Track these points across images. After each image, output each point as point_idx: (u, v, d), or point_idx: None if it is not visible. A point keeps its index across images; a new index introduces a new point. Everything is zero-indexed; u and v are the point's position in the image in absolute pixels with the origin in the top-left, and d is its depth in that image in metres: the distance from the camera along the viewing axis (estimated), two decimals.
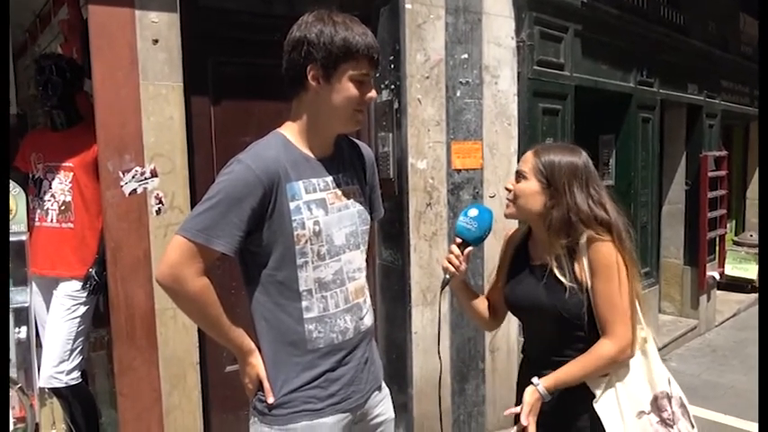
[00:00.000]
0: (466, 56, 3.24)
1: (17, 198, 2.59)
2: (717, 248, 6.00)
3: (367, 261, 1.54)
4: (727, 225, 6.57)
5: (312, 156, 1.42)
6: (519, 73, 3.50)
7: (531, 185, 1.54)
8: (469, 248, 1.61)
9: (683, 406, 1.56)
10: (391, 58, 3.08)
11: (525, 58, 3.50)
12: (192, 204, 2.39)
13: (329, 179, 1.43)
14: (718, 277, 5.97)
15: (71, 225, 2.61)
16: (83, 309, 2.62)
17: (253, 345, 1.41)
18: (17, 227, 2.58)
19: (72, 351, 2.61)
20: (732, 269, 6.68)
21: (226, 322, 1.38)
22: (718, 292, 6.20)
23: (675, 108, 5.55)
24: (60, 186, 2.61)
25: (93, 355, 3.07)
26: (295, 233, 1.34)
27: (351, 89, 1.36)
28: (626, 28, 4.45)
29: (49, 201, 2.62)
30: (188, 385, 2.52)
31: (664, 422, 1.50)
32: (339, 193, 1.44)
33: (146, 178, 2.38)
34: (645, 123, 4.92)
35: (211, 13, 2.69)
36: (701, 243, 5.56)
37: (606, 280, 1.46)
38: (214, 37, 2.69)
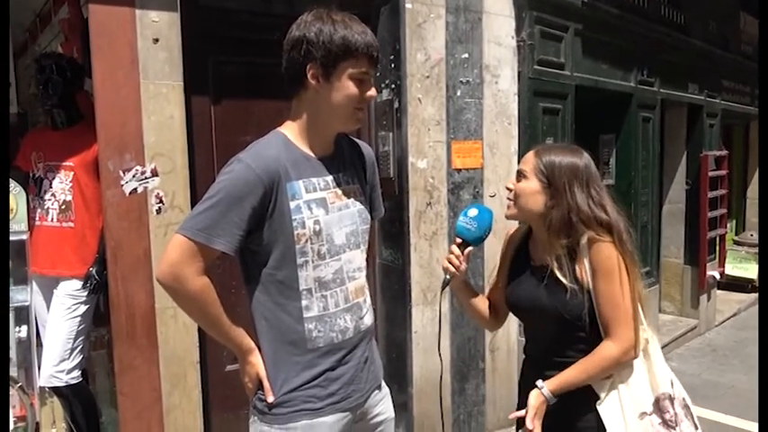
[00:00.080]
0: (466, 55, 3.24)
1: (18, 197, 2.59)
2: (717, 248, 6.00)
3: (367, 260, 1.54)
4: (728, 225, 6.57)
5: (312, 155, 1.42)
6: (519, 72, 3.50)
7: (532, 185, 1.54)
8: (470, 248, 1.60)
9: (686, 407, 1.56)
10: (391, 57, 3.08)
11: (526, 58, 3.50)
12: (193, 204, 2.39)
13: (329, 178, 1.43)
14: (718, 277, 5.97)
15: (71, 224, 2.61)
16: (83, 308, 2.63)
17: (253, 344, 1.41)
18: (18, 226, 2.58)
19: (72, 350, 2.61)
20: (732, 269, 6.68)
21: (226, 321, 1.38)
22: (719, 291, 6.20)
23: (676, 107, 5.55)
24: (61, 185, 2.61)
25: (93, 354, 3.08)
26: (295, 232, 1.34)
27: (350, 88, 1.36)
28: (626, 27, 4.45)
29: (49, 200, 2.63)
30: (188, 384, 2.53)
31: (666, 423, 1.50)
32: (339, 192, 1.44)
33: (146, 177, 2.38)
34: (645, 123, 4.92)
35: (212, 13, 2.69)
36: (702, 242, 5.56)
37: (608, 281, 1.46)
38: (214, 36, 2.69)
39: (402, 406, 3.10)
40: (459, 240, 1.61)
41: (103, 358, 3.09)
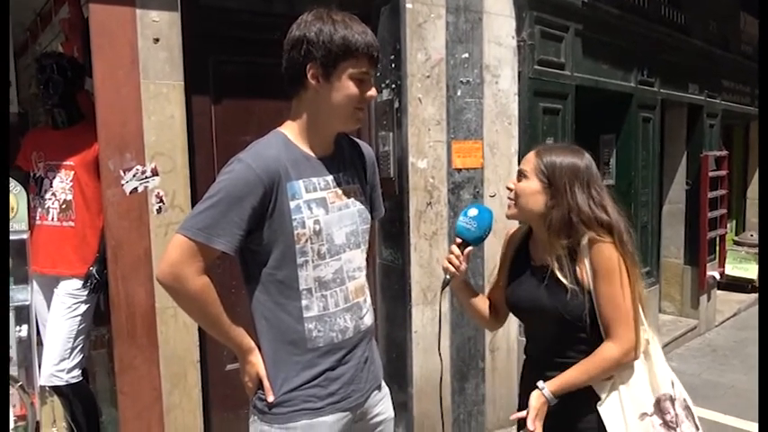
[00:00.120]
0: (466, 55, 3.24)
1: (18, 197, 2.60)
2: (717, 248, 6.00)
3: (367, 260, 1.55)
4: (728, 225, 6.57)
5: (312, 155, 1.42)
6: (519, 72, 3.51)
7: (532, 185, 1.54)
8: (470, 248, 1.60)
9: (687, 408, 1.56)
10: (392, 57, 3.08)
11: (526, 58, 3.50)
12: (193, 203, 2.39)
13: (329, 178, 1.43)
14: (718, 277, 5.97)
15: (72, 224, 2.61)
16: (83, 307, 2.63)
17: (253, 343, 1.42)
18: (18, 225, 2.58)
19: (73, 349, 2.61)
20: (732, 269, 6.68)
21: (226, 321, 1.38)
22: (719, 291, 6.20)
23: (676, 108, 5.55)
24: (61, 185, 2.62)
25: (93, 354, 3.08)
26: (295, 232, 1.35)
27: (350, 88, 1.36)
28: (627, 27, 4.45)
29: (49, 199, 2.63)
30: (188, 384, 2.53)
31: (666, 424, 1.50)
32: (339, 192, 1.44)
33: (146, 177, 2.38)
34: (645, 123, 4.92)
35: (212, 12, 2.69)
36: (702, 243, 5.56)
37: (609, 282, 1.46)
38: (215, 36, 2.69)
39: (402, 406, 3.11)
40: (459, 240, 1.61)
41: (104, 357, 3.10)
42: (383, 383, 1.61)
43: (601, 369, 1.47)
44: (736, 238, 7.39)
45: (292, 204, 1.35)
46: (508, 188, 1.61)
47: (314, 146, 1.43)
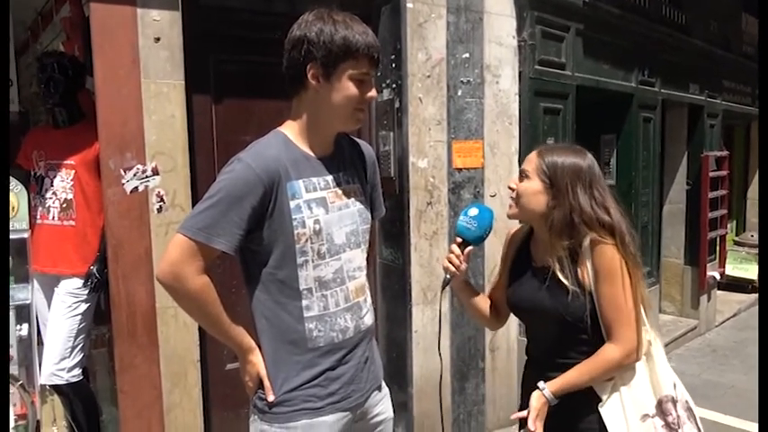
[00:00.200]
0: (467, 55, 3.24)
1: (19, 196, 2.60)
2: (717, 248, 5.99)
3: (368, 260, 1.55)
4: (728, 225, 6.57)
5: (312, 154, 1.42)
6: (520, 72, 3.50)
7: (534, 185, 1.53)
8: (470, 248, 1.60)
9: (689, 410, 1.55)
10: (392, 56, 3.08)
11: (526, 58, 3.50)
12: (194, 202, 2.39)
13: (329, 178, 1.43)
14: (718, 277, 5.97)
15: (72, 223, 2.61)
16: (84, 306, 2.63)
17: (253, 343, 1.42)
18: (19, 224, 2.59)
19: (73, 348, 2.61)
20: (733, 269, 6.68)
21: (226, 320, 1.38)
22: (719, 292, 6.20)
23: (677, 108, 5.54)
24: (62, 184, 2.62)
25: (94, 353, 3.08)
26: (295, 232, 1.35)
27: (351, 88, 1.36)
28: (627, 27, 4.45)
29: (50, 198, 2.63)
30: (189, 383, 2.53)
31: (668, 426, 1.49)
32: (339, 191, 1.44)
33: (147, 176, 2.38)
34: (646, 123, 4.92)
35: (213, 12, 2.69)
36: (702, 243, 5.55)
37: (611, 284, 1.45)
38: (215, 35, 2.69)
39: (402, 405, 3.11)
40: (459, 240, 1.60)
41: (104, 356, 3.10)
42: (383, 383, 1.61)
43: (602, 370, 1.47)
44: (736, 239, 7.39)
45: (292, 204, 1.35)
46: (510, 188, 1.60)
47: (314, 146, 1.43)
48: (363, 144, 1.61)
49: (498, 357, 3.49)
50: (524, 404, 1.69)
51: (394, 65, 3.08)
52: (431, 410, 3.13)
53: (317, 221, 1.37)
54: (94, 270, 2.57)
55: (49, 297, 2.69)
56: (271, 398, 1.39)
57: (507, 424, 3.40)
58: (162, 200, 2.42)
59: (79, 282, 2.59)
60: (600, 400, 1.50)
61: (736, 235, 7.73)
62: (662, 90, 5.05)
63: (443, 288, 1.67)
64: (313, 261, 1.38)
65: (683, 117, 5.64)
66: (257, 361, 1.41)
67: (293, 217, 1.34)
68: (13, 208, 2.58)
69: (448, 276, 1.63)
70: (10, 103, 3.02)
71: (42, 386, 2.68)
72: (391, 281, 3.22)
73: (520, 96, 3.51)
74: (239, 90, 2.78)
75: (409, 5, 3.01)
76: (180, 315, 2.43)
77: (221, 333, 1.40)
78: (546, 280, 1.52)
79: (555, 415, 1.50)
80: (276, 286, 1.38)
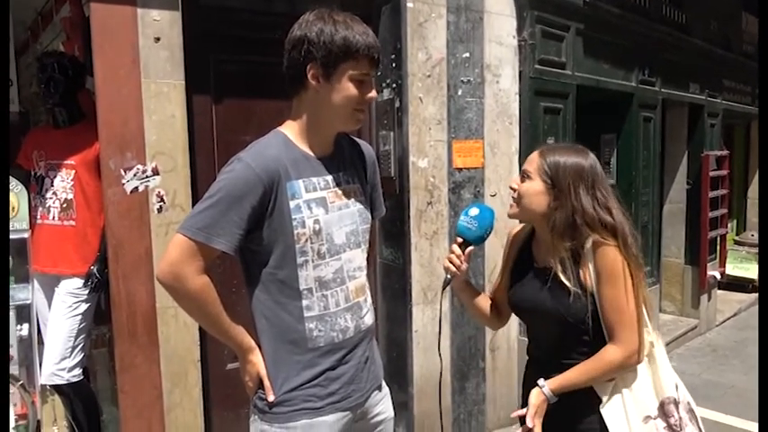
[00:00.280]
0: (467, 55, 3.24)
1: (19, 196, 2.60)
2: (718, 248, 5.99)
3: (368, 260, 1.54)
4: (729, 224, 6.57)
5: (312, 154, 1.42)
6: (520, 72, 3.50)
7: (535, 186, 1.52)
8: (471, 248, 1.59)
9: (690, 411, 1.55)
10: (392, 56, 3.08)
11: (527, 57, 3.50)
12: (194, 202, 2.39)
13: (329, 178, 1.43)
14: (718, 277, 5.97)
15: (73, 223, 2.61)
16: (84, 306, 2.63)
17: (253, 343, 1.42)
18: (19, 224, 2.59)
19: (73, 348, 2.62)
20: (733, 269, 6.68)
21: (226, 320, 1.38)
22: (719, 291, 6.20)
23: (677, 107, 5.54)
24: (62, 184, 2.62)
25: (94, 353, 3.08)
26: (295, 232, 1.35)
27: (351, 89, 1.36)
28: (628, 27, 4.45)
29: (50, 198, 2.63)
30: (189, 383, 2.53)
31: (670, 428, 1.49)
32: (339, 191, 1.44)
33: (147, 176, 2.38)
34: (646, 122, 4.92)
35: (213, 12, 2.69)
36: (702, 242, 5.55)
37: (612, 285, 1.45)
38: (215, 35, 2.69)
39: (402, 405, 3.11)
40: (460, 240, 1.60)
41: (104, 356, 3.10)
42: (383, 383, 1.61)
43: (603, 371, 1.47)
44: (736, 238, 7.39)
45: (292, 204, 1.35)
46: (511, 188, 1.60)
47: (314, 146, 1.43)
48: (363, 144, 1.61)
49: (499, 357, 3.49)
50: (525, 404, 1.69)
51: (394, 64, 3.08)
52: (431, 410, 3.13)
53: (316, 221, 1.37)
54: (95, 270, 2.57)
55: (49, 297, 2.69)
56: (271, 398, 1.39)
57: (507, 424, 3.40)
58: (162, 200, 2.42)
59: (79, 282, 2.60)
60: (601, 401, 1.50)
61: (737, 234, 7.72)
62: (662, 89, 5.05)
63: (444, 288, 1.67)
64: (313, 261, 1.38)
65: (684, 116, 5.64)
66: (257, 361, 1.41)
67: (293, 217, 1.34)
68: (14, 208, 2.58)
69: (448, 276, 1.62)
70: (10, 103, 3.02)
71: (43, 386, 2.68)
72: (391, 281, 3.22)
73: (520, 96, 3.51)
74: (239, 90, 2.78)
75: (409, 5, 3.01)
76: (180, 315, 2.43)
77: (221, 333, 1.40)
78: (548, 281, 1.51)
79: (555, 415, 1.50)
80: (276, 286, 1.38)
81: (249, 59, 2.77)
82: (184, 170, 2.47)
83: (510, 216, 1.61)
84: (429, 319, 3.15)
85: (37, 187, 2.68)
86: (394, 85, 3.09)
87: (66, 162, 2.61)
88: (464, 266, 1.60)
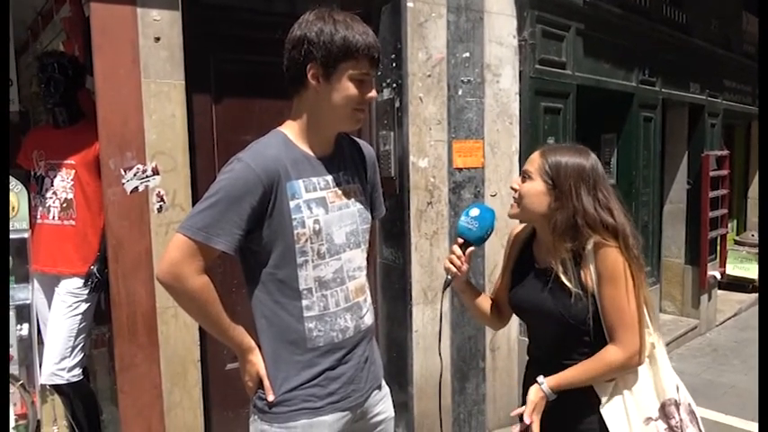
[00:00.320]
0: (467, 54, 3.24)
1: (19, 195, 2.60)
2: (718, 248, 5.99)
3: (368, 260, 1.54)
4: (729, 224, 6.56)
5: (312, 154, 1.42)
6: (521, 72, 3.50)
7: (537, 186, 1.51)
8: (471, 248, 1.59)
9: (691, 413, 1.55)
10: (393, 56, 3.07)
11: (527, 57, 3.50)
12: (194, 202, 2.39)
13: (329, 178, 1.43)
14: (719, 277, 5.96)
15: (73, 222, 2.61)
16: (84, 306, 2.63)
17: (253, 343, 1.42)
18: (19, 224, 2.59)
19: (73, 348, 2.62)
20: (733, 269, 6.67)
21: (226, 320, 1.38)
22: (719, 291, 6.19)
23: (677, 107, 5.54)
24: (62, 184, 2.62)
25: (94, 353, 3.08)
26: (295, 232, 1.35)
27: (350, 88, 1.35)
28: (628, 27, 4.44)
29: (50, 198, 2.63)
30: (189, 383, 2.53)
31: (671, 429, 1.49)
32: (339, 191, 1.44)
33: (147, 176, 2.38)
34: (647, 122, 4.92)
35: (213, 11, 2.69)
36: (703, 242, 5.55)
37: (614, 287, 1.44)
38: (216, 35, 2.69)
39: (402, 405, 3.11)
40: (460, 240, 1.59)
41: (104, 356, 3.10)
42: (383, 383, 1.61)
43: (603, 371, 1.47)
44: (737, 238, 7.38)
45: (292, 204, 1.35)
46: (512, 188, 1.59)
47: (314, 145, 1.43)
48: (363, 144, 1.61)
49: (499, 357, 3.49)
50: (525, 403, 1.69)
51: (394, 64, 3.07)
52: (431, 410, 3.13)
53: (316, 221, 1.37)
54: (95, 270, 2.57)
55: (49, 297, 2.69)
56: (270, 398, 1.39)
57: (507, 423, 3.40)
58: (162, 200, 2.42)
59: (79, 281, 2.59)
60: (600, 402, 1.50)
61: (737, 234, 7.72)
62: (662, 89, 5.05)
63: (445, 289, 1.66)
64: (313, 261, 1.38)
65: (684, 116, 5.64)
66: (257, 361, 1.41)
67: (293, 217, 1.34)
68: (14, 208, 2.58)
69: (449, 277, 1.62)
70: (10, 102, 3.02)
71: (43, 386, 2.68)
72: (391, 281, 3.22)
73: (520, 96, 3.51)
74: (239, 90, 2.78)
75: (410, 5, 3.01)
76: (180, 315, 2.43)
77: (221, 333, 1.40)
78: (549, 282, 1.51)
79: (555, 416, 1.49)
80: (276, 286, 1.38)
81: (249, 59, 2.77)
82: (184, 170, 2.47)
83: (510, 216, 1.60)
84: (429, 319, 3.15)
85: (37, 187, 2.68)
86: (394, 85, 3.09)
87: (66, 162, 2.61)
88: (465, 267, 1.59)
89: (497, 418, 3.45)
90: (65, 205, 2.62)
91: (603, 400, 1.49)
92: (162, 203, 2.42)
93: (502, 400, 3.47)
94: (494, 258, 3.32)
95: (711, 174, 5.57)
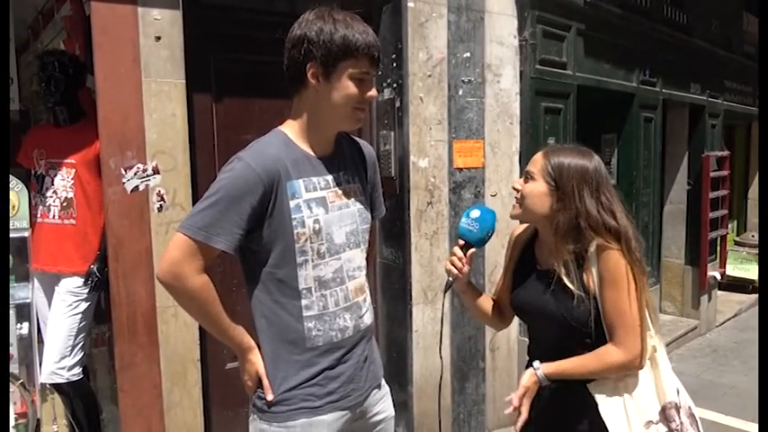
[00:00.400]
0: (468, 54, 3.24)
1: (19, 194, 2.60)
2: (718, 248, 5.99)
3: (368, 260, 1.54)
4: (729, 225, 6.56)
5: (313, 154, 1.42)
6: (521, 72, 3.50)
7: (539, 187, 1.51)
8: (472, 250, 1.58)
9: (691, 416, 1.54)
10: (393, 56, 3.07)
11: (527, 57, 3.50)
12: (194, 201, 2.39)
13: (329, 178, 1.43)
14: (719, 277, 5.96)
15: (73, 221, 2.61)
16: (84, 305, 2.63)
17: (252, 342, 1.42)
18: (19, 223, 2.59)
19: (73, 347, 2.62)
20: (733, 269, 6.67)
21: (226, 320, 1.38)
22: (720, 292, 6.19)
23: (678, 108, 5.54)
24: (62, 183, 2.62)
25: (94, 352, 3.08)
26: (295, 231, 1.35)
27: (350, 87, 1.35)
28: (629, 27, 4.44)
29: (51, 197, 2.63)
30: (189, 382, 2.53)
31: None
32: (339, 191, 1.44)
33: (147, 175, 2.38)
34: (647, 123, 4.92)
35: (213, 11, 2.69)
36: (703, 243, 5.55)
37: (616, 290, 1.43)
38: (216, 34, 2.69)
39: (402, 405, 3.11)
40: (461, 242, 1.59)
41: (104, 355, 3.10)
42: (383, 382, 1.61)
43: (600, 369, 1.46)
44: (737, 239, 7.38)
45: (292, 204, 1.35)
46: (515, 188, 1.58)
47: (314, 145, 1.43)
48: (364, 143, 1.61)
49: (498, 357, 3.49)
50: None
51: (395, 64, 3.07)
52: (431, 410, 3.13)
53: (316, 221, 1.37)
54: (95, 269, 2.57)
55: (49, 296, 2.69)
56: (270, 397, 1.39)
57: (507, 423, 3.40)
58: (162, 199, 2.42)
59: (79, 280, 2.59)
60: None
61: (737, 235, 7.72)
62: (663, 90, 5.05)
63: (446, 291, 1.65)
64: (312, 261, 1.38)
65: (684, 117, 5.64)
66: (257, 360, 1.41)
67: (293, 216, 1.34)
68: (14, 207, 2.58)
69: (450, 279, 1.61)
70: (10, 101, 3.02)
71: (43, 385, 2.68)
72: (391, 280, 3.22)
73: (521, 96, 3.50)
74: (240, 89, 2.78)
75: (410, 5, 3.01)
76: (180, 314, 2.43)
77: (221, 332, 1.40)
78: (551, 284, 1.50)
79: (555, 418, 1.49)
80: (276, 285, 1.38)
81: (250, 58, 2.77)
82: (185, 169, 2.47)
83: (512, 217, 1.60)
84: (429, 319, 3.15)
85: (37, 186, 2.68)
86: (395, 85, 3.09)
87: (66, 161, 2.61)
88: (466, 269, 1.58)
89: (497, 418, 3.45)
90: (65, 204, 2.61)
91: (601, 400, 1.47)
92: (162, 203, 2.42)
93: (501, 401, 3.43)
94: (494, 259, 3.32)
95: (712, 174, 5.57)
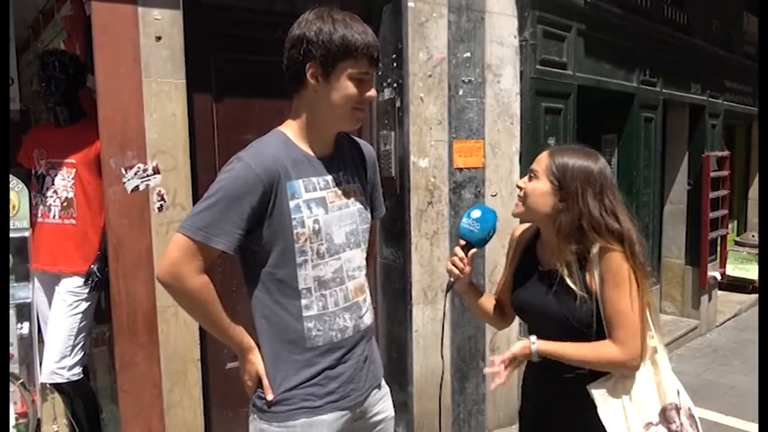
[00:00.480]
0: (468, 54, 3.24)
1: (20, 194, 2.60)
2: (718, 249, 5.99)
3: (368, 260, 1.54)
4: (729, 225, 6.56)
5: (312, 154, 1.42)
6: (521, 72, 3.50)
7: (542, 186, 1.51)
8: (473, 250, 1.58)
9: (691, 417, 1.54)
10: (393, 56, 3.07)
11: (528, 57, 3.50)
12: (194, 201, 2.39)
13: (329, 178, 1.43)
14: (719, 277, 5.96)
15: (73, 221, 2.62)
16: (84, 305, 2.63)
17: (252, 342, 1.42)
18: (20, 223, 2.59)
19: (74, 347, 2.62)
20: (733, 269, 6.67)
21: (226, 320, 1.38)
22: (720, 292, 6.19)
23: (678, 108, 5.54)
24: (63, 183, 2.62)
25: (94, 351, 3.08)
26: (295, 231, 1.35)
27: (350, 88, 1.35)
28: (629, 27, 4.44)
29: (51, 197, 2.63)
30: (189, 382, 2.53)
31: None
32: (339, 191, 1.44)
33: (148, 175, 2.38)
34: (647, 123, 4.92)
35: (214, 11, 2.69)
36: (703, 243, 5.55)
37: (617, 291, 1.43)
38: (216, 34, 2.69)
39: (402, 405, 3.11)
40: (462, 242, 1.59)
41: (104, 355, 3.10)
42: (383, 382, 1.61)
43: (596, 361, 1.45)
44: (737, 239, 7.38)
45: (292, 204, 1.35)
46: (518, 187, 1.58)
47: (314, 145, 1.43)
48: (364, 143, 1.61)
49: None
50: (524, 405, 1.69)
51: (395, 64, 3.07)
52: (431, 410, 3.13)
53: (316, 221, 1.37)
54: (95, 269, 2.57)
55: (49, 295, 2.69)
56: (270, 397, 1.40)
57: (507, 423, 3.40)
58: (163, 199, 2.42)
59: (80, 280, 2.60)
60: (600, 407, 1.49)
61: (737, 235, 7.72)
62: (663, 90, 5.05)
63: (447, 291, 1.65)
64: (312, 261, 1.38)
65: (685, 117, 5.64)
66: (257, 360, 1.41)
67: (293, 217, 1.34)
68: (14, 206, 2.58)
69: (452, 279, 1.61)
70: (11, 101, 3.02)
71: (43, 384, 2.68)
72: (392, 280, 3.22)
73: (521, 96, 3.50)
74: (240, 89, 2.78)
75: (410, 4, 3.01)
76: (180, 314, 2.43)
77: (221, 332, 1.40)
78: (553, 284, 1.50)
79: (555, 419, 1.49)
80: (275, 286, 1.38)
81: (250, 59, 2.77)
82: (185, 169, 2.47)
83: (514, 215, 1.59)
84: (429, 319, 3.15)
85: (38, 186, 2.68)
86: (395, 85, 3.09)
87: (66, 161, 2.61)
88: (467, 269, 1.58)
89: (497, 418, 3.46)
90: (65, 204, 2.62)
91: (600, 401, 1.46)
92: (162, 202, 2.42)
93: (501, 400, 3.47)
94: (494, 258, 3.32)
95: (712, 174, 5.57)
